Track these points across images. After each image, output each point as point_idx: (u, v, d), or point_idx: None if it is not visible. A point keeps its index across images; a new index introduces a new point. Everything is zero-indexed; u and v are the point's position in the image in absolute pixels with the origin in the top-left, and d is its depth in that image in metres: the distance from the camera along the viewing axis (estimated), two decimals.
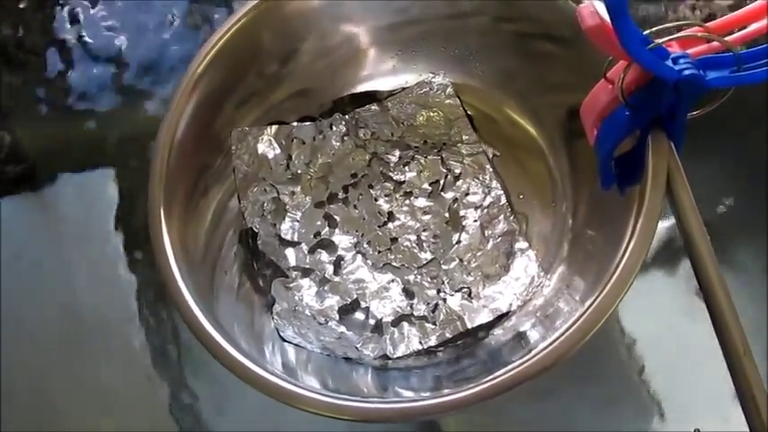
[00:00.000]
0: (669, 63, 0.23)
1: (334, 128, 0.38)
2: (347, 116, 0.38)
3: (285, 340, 0.32)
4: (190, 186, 0.32)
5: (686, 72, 0.23)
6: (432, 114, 0.38)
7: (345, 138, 0.38)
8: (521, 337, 0.31)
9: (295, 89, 0.37)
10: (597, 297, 0.25)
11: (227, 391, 0.35)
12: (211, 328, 0.27)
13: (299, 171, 0.37)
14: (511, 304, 0.33)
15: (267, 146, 0.36)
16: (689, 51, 0.24)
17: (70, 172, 0.42)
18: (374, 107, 0.38)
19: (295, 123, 0.37)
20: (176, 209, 0.30)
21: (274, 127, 0.37)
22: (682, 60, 0.23)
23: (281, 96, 0.37)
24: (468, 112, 0.37)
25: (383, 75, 0.38)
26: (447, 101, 0.37)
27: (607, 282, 0.25)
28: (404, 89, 0.38)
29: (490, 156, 0.37)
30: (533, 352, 0.25)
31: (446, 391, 0.25)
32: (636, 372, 0.34)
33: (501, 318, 0.33)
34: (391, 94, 0.38)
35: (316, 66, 0.37)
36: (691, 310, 0.34)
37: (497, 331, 0.32)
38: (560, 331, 0.25)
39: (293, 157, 0.37)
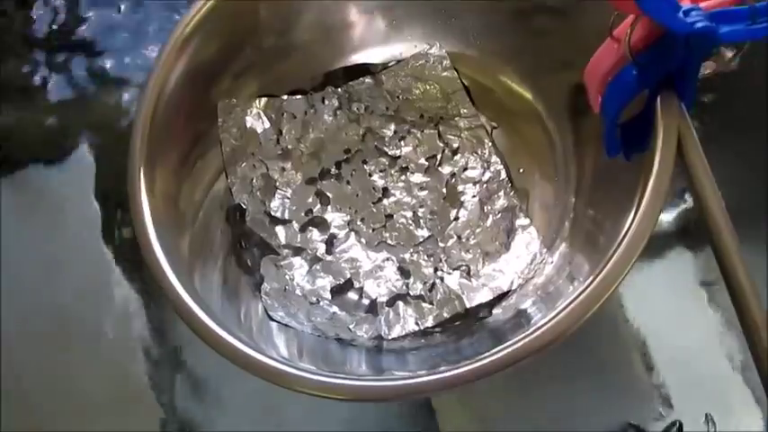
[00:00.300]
0: (680, 16, 0.22)
1: (327, 102, 0.36)
2: (340, 90, 0.36)
3: (273, 320, 0.31)
4: (184, 150, 0.31)
5: (699, 25, 0.21)
6: (428, 87, 0.36)
7: (338, 112, 0.36)
8: (521, 315, 0.29)
9: (292, 62, 0.35)
10: (600, 272, 0.24)
11: (225, 386, 0.34)
12: (197, 307, 0.26)
13: (290, 146, 0.35)
14: (512, 282, 0.31)
15: (256, 119, 0.35)
16: (700, 5, 0.23)
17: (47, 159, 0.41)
18: (368, 80, 0.36)
19: (285, 97, 0.36)
20: (163, 173, 0.29)
21: (263, 100, 0.35)
22: (693, 13, 0.22)
23: (278, 69, 0.35)
24: (465, 84, 0.36)
25: (376, 45, 0.36)
26: (444, 73, 0.36)
27: (611, 256, 0.24)
28: (398, 62, 0.36)
29: (489, 129, 0.35)
30: (533, 329, 0.24)
31: (443, 368, 0.24)
32: (641, 360, 0.32)
33: (501, 297, 0.31)
34: (385, 66, 0.36)
35: (311, 39, 0.35)
36: (696, 296, 0.33)
37: (497, 310, 0.31)
38: (561, 308, 0.24)
39: (284, 131, 0.35)
